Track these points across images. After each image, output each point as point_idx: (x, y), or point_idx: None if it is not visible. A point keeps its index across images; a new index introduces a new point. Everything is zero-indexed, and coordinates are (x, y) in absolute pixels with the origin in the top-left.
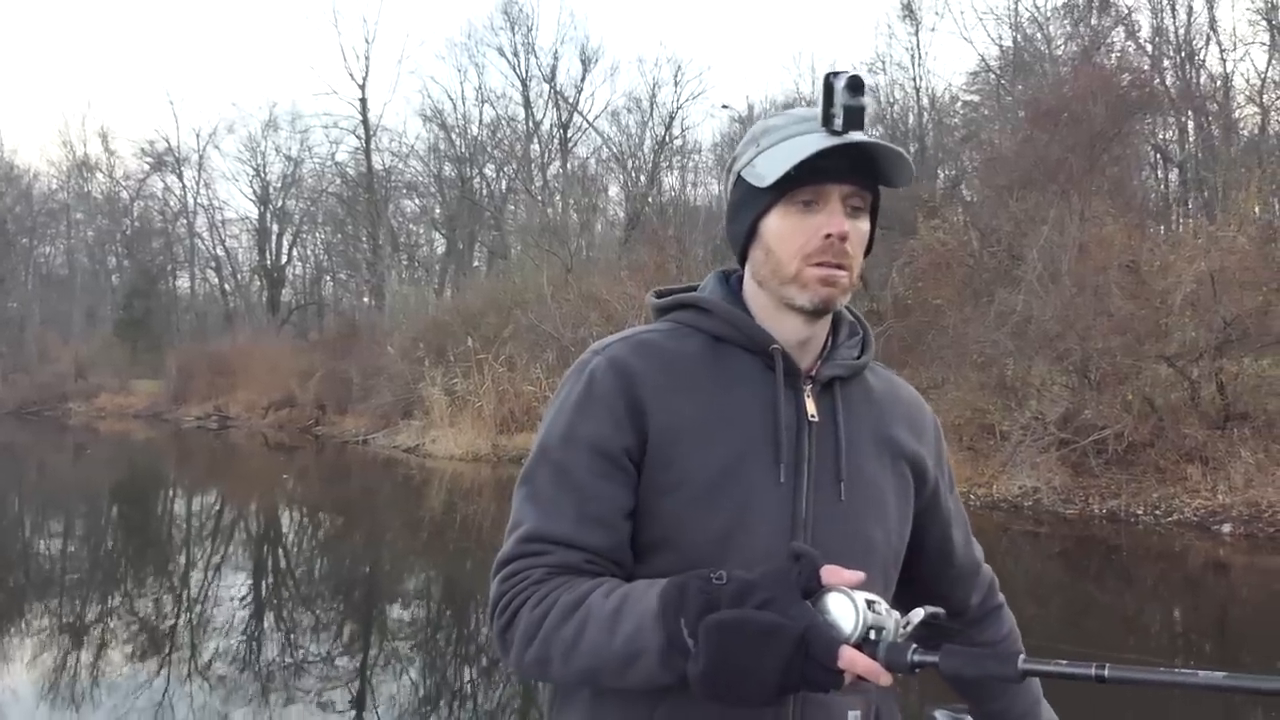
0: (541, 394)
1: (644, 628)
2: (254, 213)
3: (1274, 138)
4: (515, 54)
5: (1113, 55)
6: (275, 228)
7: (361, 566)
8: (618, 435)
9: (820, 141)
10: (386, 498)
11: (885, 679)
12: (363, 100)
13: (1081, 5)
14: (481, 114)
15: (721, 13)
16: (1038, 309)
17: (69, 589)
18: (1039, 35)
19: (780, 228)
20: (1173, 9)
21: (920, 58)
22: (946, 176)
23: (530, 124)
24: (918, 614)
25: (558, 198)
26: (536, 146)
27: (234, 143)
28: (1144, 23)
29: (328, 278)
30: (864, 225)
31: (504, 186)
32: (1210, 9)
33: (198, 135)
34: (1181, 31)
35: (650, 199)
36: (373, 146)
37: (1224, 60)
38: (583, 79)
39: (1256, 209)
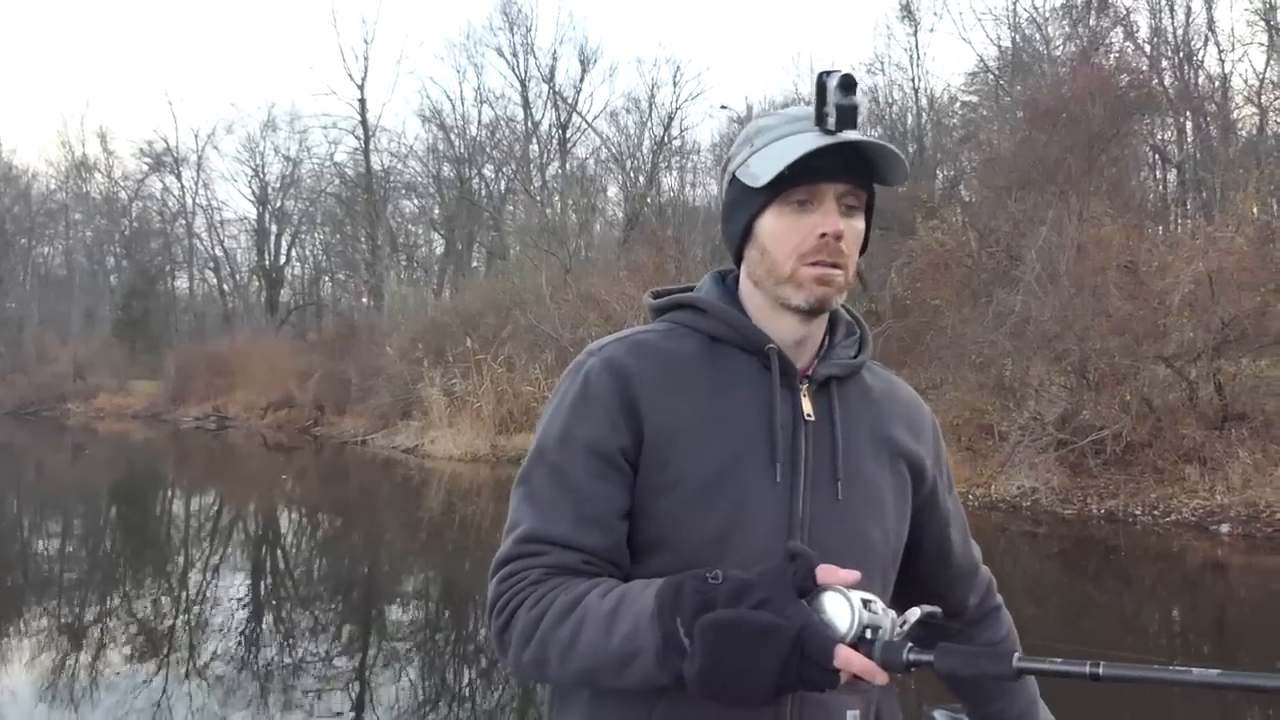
0: (540, 394)
1: (640, 627)
2: (252, 213)
3: (1272, 138)
4: (514, 54)
5: (1111, 56)
6: (274, 228)
7: (360, 567)
8: (614, 436)
9: (814, 141)
10: (385, 498)
11: (881, 678)
12: (361, 101)
13: (1080, 6)
14: (480, 114)
15: (720, 13)
16: (1036, 309)
17: (67, 589)
18: (1037, 36)
19: (775, 227)
20: (1171, 10)
21: (919, 58)
22: (945, 177)
23: (529, 124)
24: (914, 613)
25: (556, 198)
26: (535, 147)
27: (233, 143)
28: (1142, 23)
29: (326, 278)
30: (859, 224)
31: (503, 187)
32: (1209, 9)
33: (196, 135)
34: (1180, 32)
35: (649, 199)
36: (371, 147)
37: (1222, 61)
38: (581, 79)
39: (1254, 209)
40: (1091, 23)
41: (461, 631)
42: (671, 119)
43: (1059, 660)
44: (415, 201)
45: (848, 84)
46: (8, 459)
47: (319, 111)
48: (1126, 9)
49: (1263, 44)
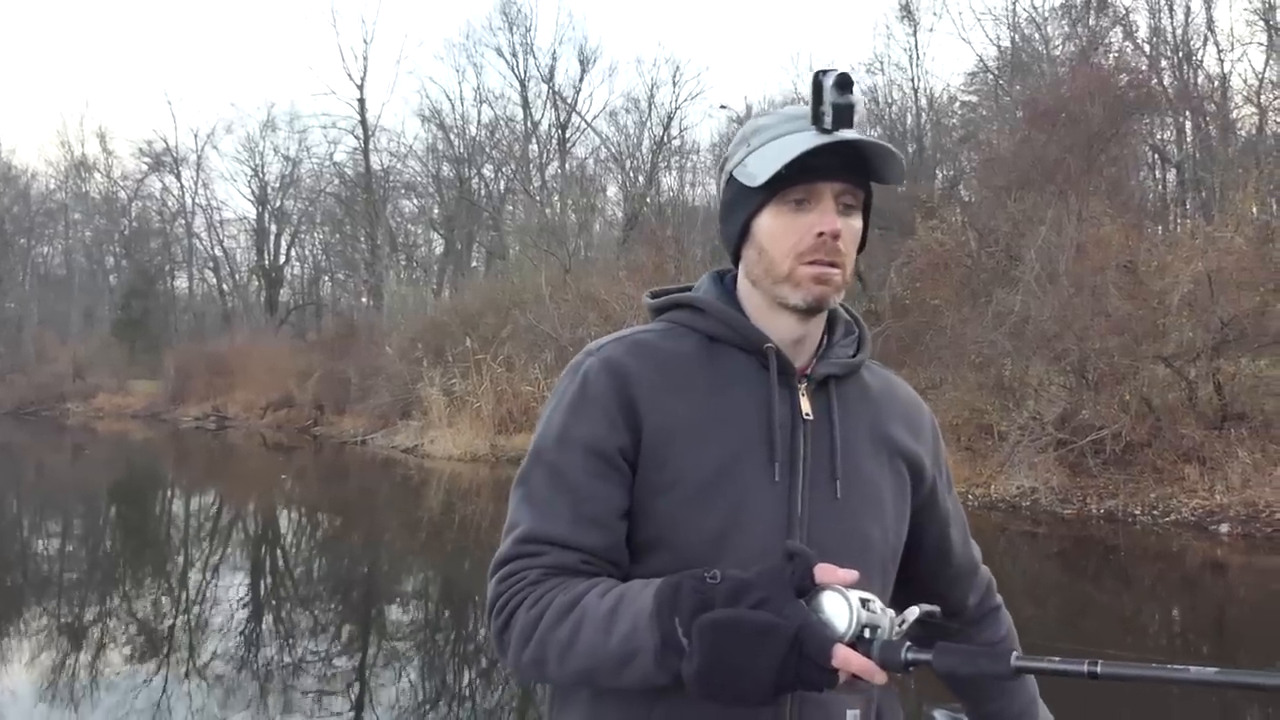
0: (540, 394)
1: (639, 627)
2: (252, 213)
3: (1271, 138)
4: (514, 54)
5: (1110, 56)
6: (273, 228)
7: (360, 567)
8: (612, 435)
9: (810, 140)
10: (385, 498)
11: (880, 677)
12: (361, 100)
13: (1079, 6)
14: (480, 114)
15: (720, 13)
16: (1035, 309)
17: (67, 590)
18: (1037, 36)
19: (773, 226)
20: (1170, 9)
21: (918, 58)
22: (944, 177)
23: (528, 124)
24: (913, 612)
25: (556, 198)
26: (535, 147)
27: (232, 143)
28: (1142, 23)
29: (326, 278)
30: (856, 223)
31: (502, 187)
32: (1208, 9)
33: (196, 135)
34: (1179, 32)
35: (648, 199)
36: (371, 147)
37: (1221, 60)
38: (581, 79)
39: (1254, 209)
40: (1091, 22)
41: (461, 631)
42: (671, 119)
43: (1057, 659)
44: (415, 201)
45: (844, 83)
46: (7, 459)
47: (318, 111)
48: (1126, 9)
49: (1262, 44)
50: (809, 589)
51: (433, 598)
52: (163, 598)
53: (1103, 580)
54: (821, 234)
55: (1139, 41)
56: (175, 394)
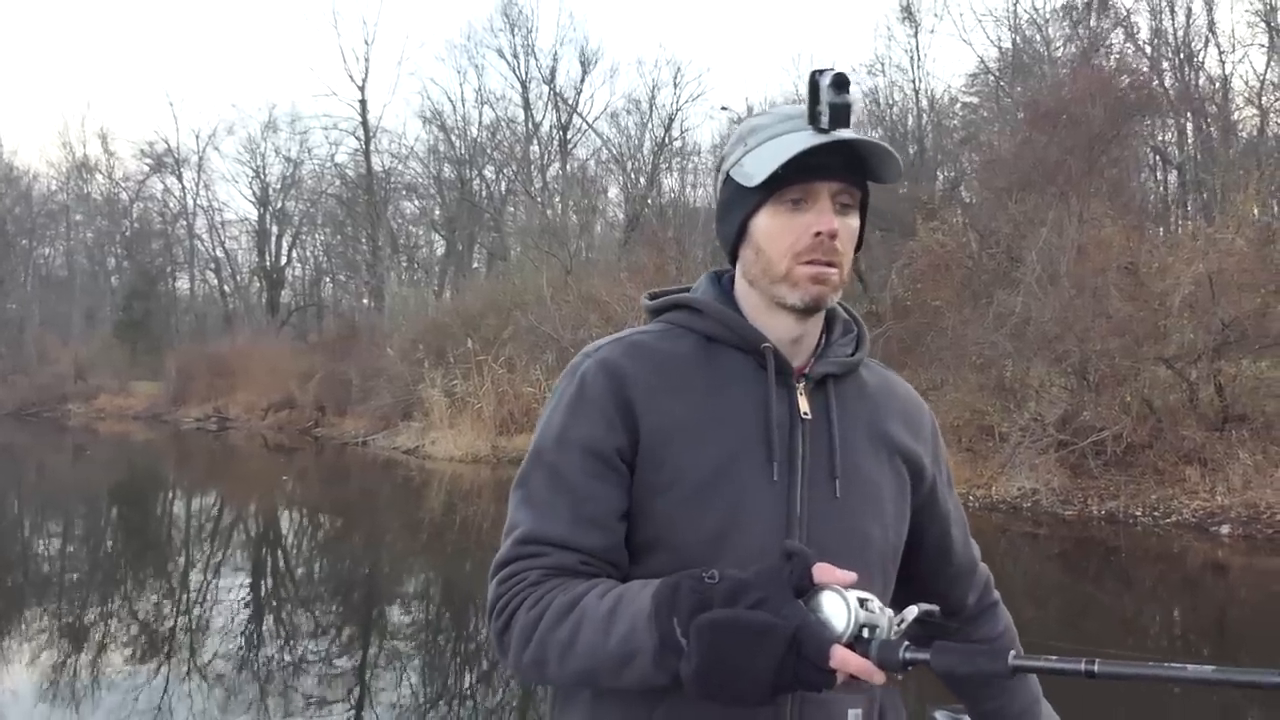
0: (541, 395)
1: (638, 628)
2: (253, 214)
3: (1273, 139)
4: (515, 56)
5: (1112, 57)
6: (275, 229)
7: (361, 568)
8: (610, 436)
9: (807, 139)
10: (386, 499)
11: (879, 677)
12: (362, 102)
13: (1080, 7)
14: (481, 115)
15: (721, 15)
16: (1036, 311)
17: (68, 590)
18: (1038, 37)
19: (770, 226)
20: (1171, 11)
21: (919, 60)
22: (945, 178)
23: (530, 126)
24: (911, 611)
25: (557, 199)
26: (536, 148)
27: (233, 144)
28: (1143, 24)
29: (327, 279)
30: (853, 222)
31: (503, 188)
32: (1209, 11)
33: (197, 136)
34: (1180, 33)
35: (650, 200)
36: (372, 148)
37: (1223, 62)
38: (582, 81)
39: (1255, 211)
40: (1092, 24)
41: (462, 632)
42: (672, 120)
43: (1054, 658)
44: (416, 202)
45: (840, 82)
46: (9, 460)
47: (320, 112)
48: (1127, 10)
49: (1263, 45)
50: (807, 589)
51: (434, 599)
52: (164, 599)
53: (1104, 581)
54: (819, 233)
55: (1140, 43)
56: (176, 395)
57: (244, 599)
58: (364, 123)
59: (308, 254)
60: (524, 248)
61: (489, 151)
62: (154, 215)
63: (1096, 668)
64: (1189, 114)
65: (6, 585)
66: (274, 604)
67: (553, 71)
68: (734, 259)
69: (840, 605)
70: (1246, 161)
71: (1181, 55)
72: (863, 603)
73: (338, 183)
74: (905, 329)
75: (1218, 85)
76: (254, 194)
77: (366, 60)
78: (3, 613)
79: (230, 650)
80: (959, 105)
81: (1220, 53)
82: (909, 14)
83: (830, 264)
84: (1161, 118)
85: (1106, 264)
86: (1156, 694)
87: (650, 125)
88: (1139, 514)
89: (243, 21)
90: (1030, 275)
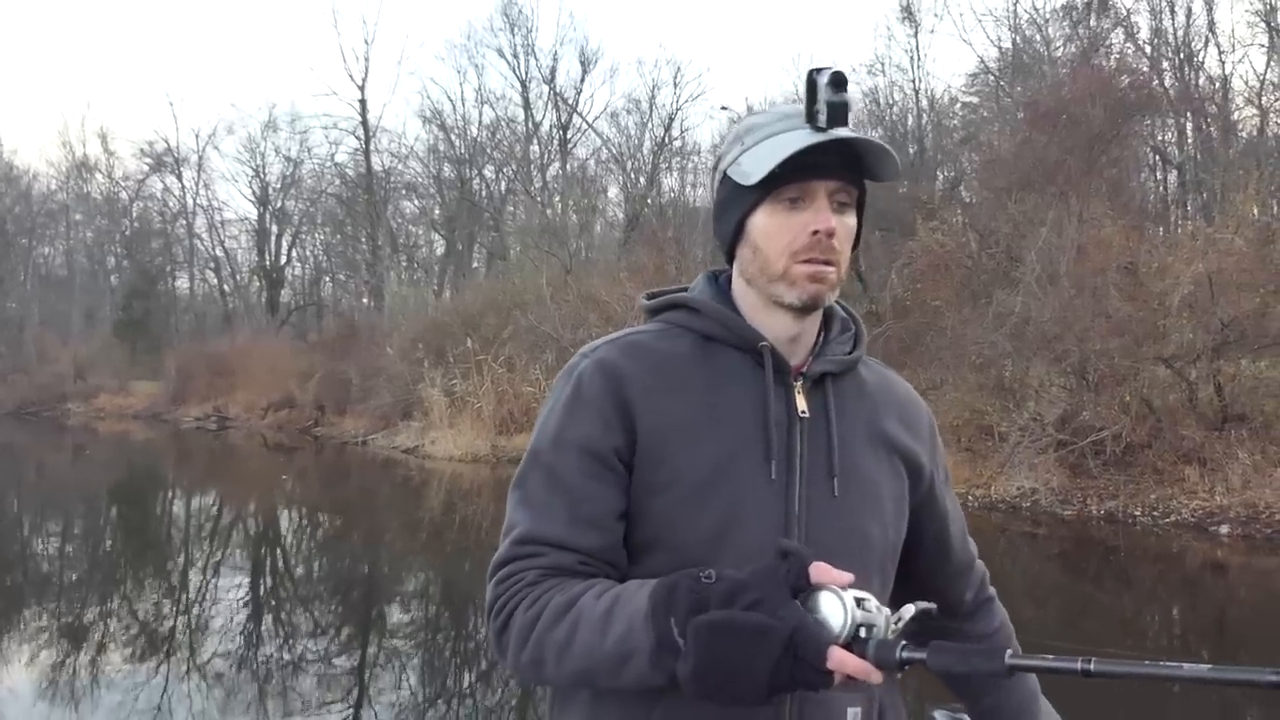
0: (540, 395)
1: (634, 628)
2: (253, 213)
3: (1272, 139)
4: (515, 55)
5: (1111, 57)
6: (274, 228)
7: (360, 567)
8: (607, 436)
9: (805, 138)
10: (385, 498)
11: (876, 678)
12: (362, 101)
13: (1080, 7)
14: (481, 115)
15: (721, 14)
16: (1036, 310)
17: (68, 590)
18: (1038, 37)
19: (767, 225)
20: (1171, 11)
21: (919, 59)
22: (945, 178)
23: (530, 125)
24: (908, 610)
25: (557, 199)
26: (536, 148)
27: (233, 143)
28: (1143, 24)
29: (327, 278)
30: (851, 220)
31: (503, 188)
32: (1209, 11)
33: (197, 136)
34: (1180, 33)
35: (649, 200)
36: (372, 147)
37: (1223, 62)
38: (582, 80)
39: (1254, 211)
40: (1092, 24)
41: (462, 631)
42: (672, 120)
43: (1050, 657)
44: (416, 202)
45: (838, 81)
46: (8, 459)
47: (320, 112)
48: (1127, 10)
49: (1263, 45)
50: (804, 588)
51: (433, 598)
52: (163, 598)
53: (1103, 581)
54: (816, 232)
55: (1140, 43)
56: (176, 394)
57: (243, 598)
58: (364, 122)
59: (307, 253)
60: (524, 247)
61: (489, 151)
62: (154, 214)
63: (1093, 666)
64: (1189, 114)
65: (6, 585)
66: (273, 603)
67: (553, 71)
68: (731, 258)
69: (837, 605)
70: (1246, 161)
71: (1181, 55)
72: (859, 602)
73: (337, 182)
74: (905, 329)
75: (1217, 85)
76: (254, 193)
77: (366, 60)
78: (2, 612)
79: (230, 649)
80: (959, 105)
81: (1220, 52)
82: (909, 14)
83: (828, 262)
84: (1161, 118)
85: (1106, 264)
86: (1157, 694)
87: (650, 125)
88: (1138, 513)
89: (242, 21)
90: (1030, 275)
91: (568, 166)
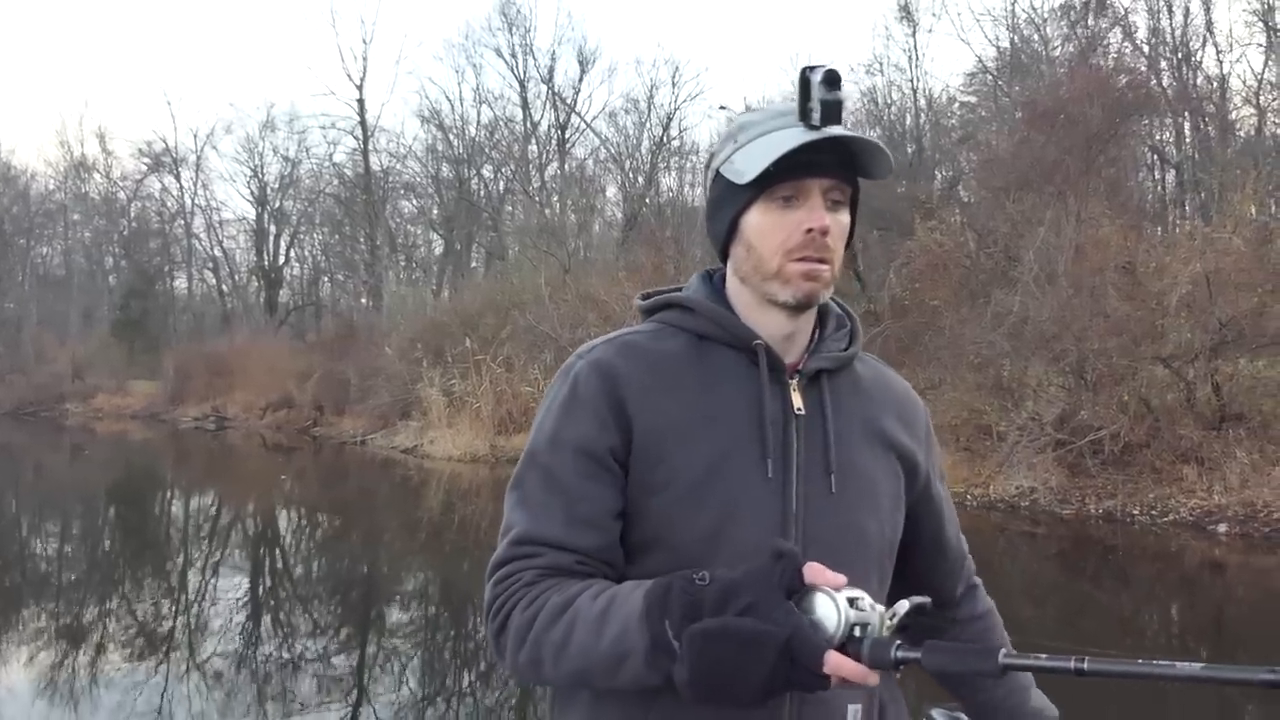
0: (539, 394)
1: (629, 629)
2: (251, 213)
3: (1270, 139)
4: (513, 55)
5: (1109, 56)
6: (273, 228)
7: (359, 567)
8: (603, 436)
9: (798, 136)
10: (384, 498)
11: (873, 679)
12: (360, 101)
13: (1078, 6)
14: (479, 115)
15: (719, 14)
16: (1034, 310)
17: (66, 590)
18: (1036, 36)
19: (761, 224)
20: (1169, 10)
21: (917, 59)
22: (943, 178)
23: (528, 125)
24: (903, 606)
25: (555, 198)
26: (534, 147)
27: (231, 143)
28: (1141, 24)
29: (325, 278)
30: (844, 218)
31: (501, 187)
32: (1207, 10)
33: (195, 136)
34: (1178, 33)
35: (648, 200)
36: (370, 147)
37: (1220, 61)
38: (580, 80)
39: (1252, 210)
40: (1090, 23)
41: (461, 631)
42: (670, 119)
43: (1044, 656)
44: (414, 202)
45: (832, 79)
46: (6, 459)
47: (318, 112)
48: (1125, 9)
49: (1261, 45)
50: (798, 589)
51: (432, 598)
52: (162, 598)
53: (1101, 580)
54: (810, 230)
55: (1138, 42)
56: (174, 394)
57: (242, 599)
58: (362, 122)
59: (306, 253)
60: (522, 247)
61: (487, 151)
62: (152, 214)
63: (1086, 665)
64: (1187, 113)
65: (5, 585)
66: (272, 603)
67: (551, 71)
68: (725, 256)
69: (830, 606)
70: (1244, 161)
71: (1179, 55)
72: (853, 602)
73: (336, 182)
74: (903, 328)
75: (1215, 85)
76: (252, 193)
77: (364, 59)
78: (2, 612)
79: (229, 649)
80: (957, 105)
81: (1218, 52)
82: (907, 13)
83: (822, 260)
84: (1159, 117)
85: (1104, 263)
86: (1157, 692)
87: (648, 124)
88: (1136, 513)
89: (241, 21)
90: (1028, 275)
91: (566, 166)
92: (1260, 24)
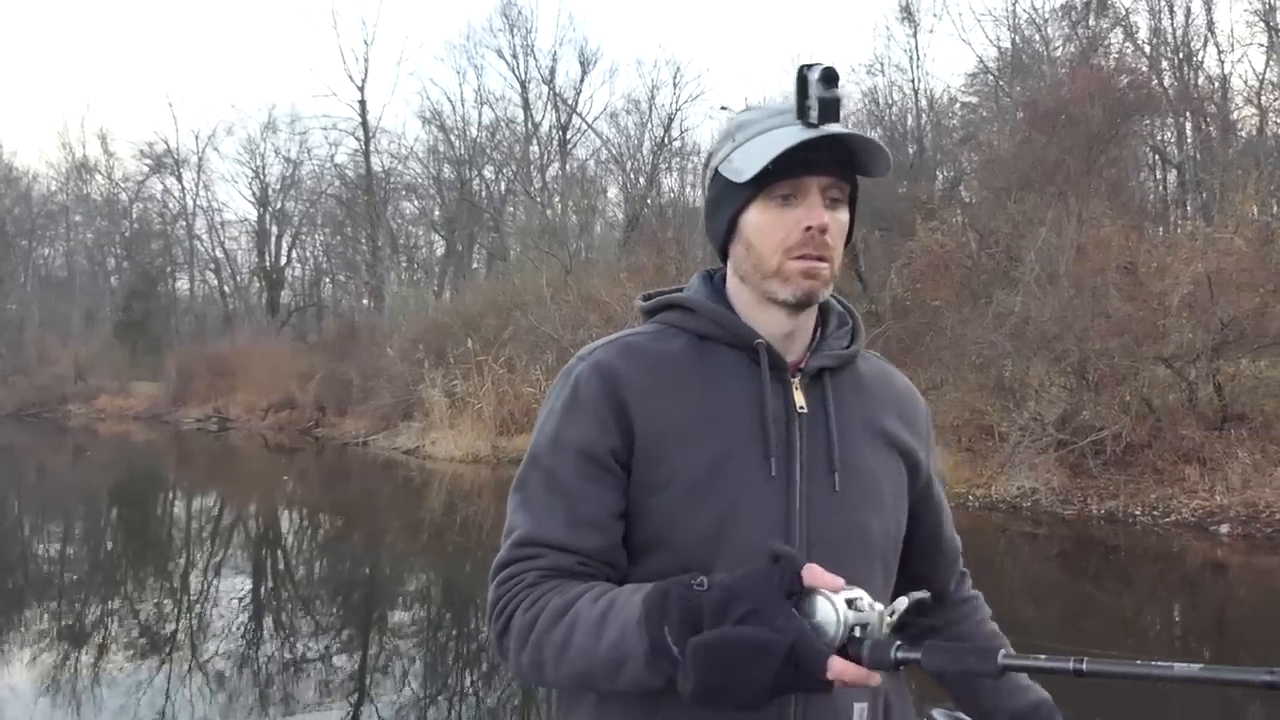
0: (541, 395)
1: (628, 633)
2: (253, 215)
3: (1272, 139)
4: (514, 56)
5: (1111, 57)
6: (274, 230)
7: (361, 568)
8: (604, 438)
9: (796, 135)
10: (386, 499)
11: (874, 681)
12: (362, 102)
13: (1079, 7)
14: (480, 116)
15: (720, 15)
16: (1036, 310)
17: (68, 591)
18: (1037, 37)
19: (760, 222)
20: (1171, 10)
21: (919, 59)
22: (945, 178)
23: (529, 126)
24: (902, 603)
25: (557, 199)
26: (535, 148)
27: (233, 144)
28: (1142, 24)
29: (327, 279)
30: (843, 216)
31: (503, 188)
32: (1208, 10)
33: (197, 137)
34: (1179, 33)
35: (649, 200)
36: (372, 148)
37: (1222, 61)
38: (581, 81)
39: (1254, 210)
40: (1091, 23)
41: (463, 632)
42: (672, 120)
43: (1043, 657)
44: (415, 203)
45: (829, 77)
46: (9, 461)
47: (319, 113)
48: (1126, 10)
49: (1262, 45)
50: (798, 592)
51: (434, 599)
52: (164, 599)
53: (1103, 581)
54: (809, 228)
55: (1139, 42)
56: (177, 396)
57: (245, 599)
58: (363, 123)
59: (307, 254)
60: (524, 248)
61: (488, 152)
62: (153, 216)
63: (1085, 666)
64: (1188, 113)
65: (7, 586)
66: (274, 604)
67: (552, 72)
68: (724, 255)
69: (830, 610)
70: (1245, 161)
71: (1180, 55)
72: (851, 603)
73: (337, 183)
74: (904, 329)
75: (1217, 85)
76: (253, 194)
77: (366, 60)
78: (3, 613)
79: (231, 650)
80: (958, 105)
81: (1219, 52)
82: (908, 14)
83: (821, 258)
84: (1160, 117)
85: (1105, 264)
86: (1159, 693)
87: (650, 125)
88: (1138, 513)
89: (242, 22)
90: (1029, 275)
91: (567, 167)
92: (1261, 24)
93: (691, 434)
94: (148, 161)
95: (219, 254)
